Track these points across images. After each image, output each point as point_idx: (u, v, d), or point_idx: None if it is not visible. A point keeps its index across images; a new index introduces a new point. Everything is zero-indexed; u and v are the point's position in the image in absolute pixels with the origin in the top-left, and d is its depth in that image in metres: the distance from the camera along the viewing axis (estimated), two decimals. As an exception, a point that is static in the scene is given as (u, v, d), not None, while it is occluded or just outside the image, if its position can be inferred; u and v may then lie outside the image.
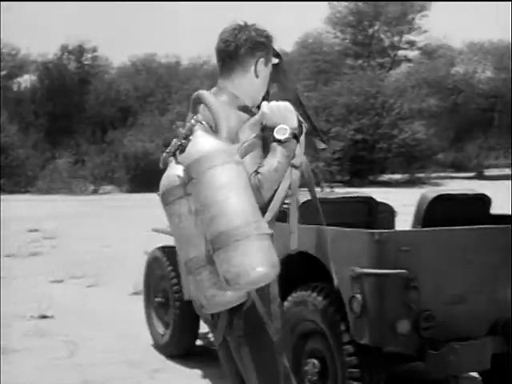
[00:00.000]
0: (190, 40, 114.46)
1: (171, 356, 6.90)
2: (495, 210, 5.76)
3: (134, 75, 51.79)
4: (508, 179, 42.89)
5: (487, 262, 4.26)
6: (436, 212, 5.15)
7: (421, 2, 53.54)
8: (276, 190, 3.19)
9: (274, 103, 3.31)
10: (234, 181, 3.03)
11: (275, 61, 3.77)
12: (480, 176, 45.49)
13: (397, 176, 40.58)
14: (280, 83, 3.89)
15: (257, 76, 3.48)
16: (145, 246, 11.32)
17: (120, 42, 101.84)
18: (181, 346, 6.85)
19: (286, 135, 3.19)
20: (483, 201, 5.68)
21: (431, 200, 5.22)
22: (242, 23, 3.50)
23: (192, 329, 6.82)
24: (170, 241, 6.83)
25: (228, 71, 3.49)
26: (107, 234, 16.50)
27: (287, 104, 3.31)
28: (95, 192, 36.02)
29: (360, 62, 54.47)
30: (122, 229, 17.61)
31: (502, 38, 52.54)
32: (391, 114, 40.24)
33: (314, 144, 4.29)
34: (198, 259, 3.07)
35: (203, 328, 7.09)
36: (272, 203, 3.19)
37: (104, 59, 51.98)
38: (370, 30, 55.38)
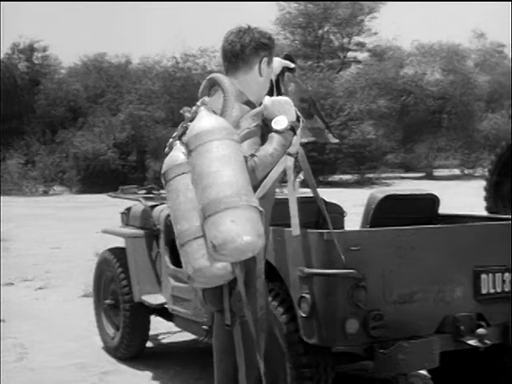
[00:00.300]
0: (141, 39, 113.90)
1: (121, 358, 6.85)
2: (444, 209, 5.82)
3: (84, 75, 51.33)
4: (457, 179, 43.46)
5: (435, 261, 4.30)
6: (385, 212, 5.18)
7: (370, 4, 53.85)
8: (269, 172, 3.42)
9: (275, 97, 3.64)
10: (229, 155, 3.23)
11: (291, 65, 4.15)
12: (429, 176, 45.94)
13: (347, 176, 40.85)
14: (297, 84, 4.14)
15: (261, 74, 3.79)
16: (95, 247, 11.27)
17: (71, 42, 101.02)
18: (131, 347, 6.79)
19: (284, 126, 3.49)
20: (432, 201, 5.73)
21: (380, 200, 5.26)
22: (246, 26, 3.79)
23: (142, 331, 6.79)
24: (120, 242, 6.81)
25: (234, 69, 3.80)
26: (58, 236, 16.38)
27: (287, 99, 3.63)
28: (46, 193, 35.74)
29: (310, 63, 54.59)
30: (72, 230, 17.48)
31: (450, 39, 53.17)
32: (341, 115, 40.46)
33: (327, 138, 4.47)
34: (190, 231, 3.29)
35: (154, 330, 7.08)
36: (264, 182, 3.40)
37: (54, 59, 51.48)
38: (320, 32, 55.59)
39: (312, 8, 53.88)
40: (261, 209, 3.23)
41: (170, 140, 3.56)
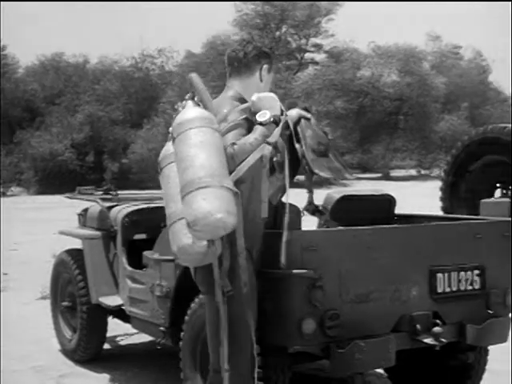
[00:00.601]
0: (100, 39, 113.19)
1: (79, 361, 6.82)
2: (400, 210, 5.87)
3: (41, 75, 50.87)
4: (413, 180, 43.78)
5: (391, 261, 4.33)
6: (341, 212, 5.22)
7: (327, 6, 54.05)
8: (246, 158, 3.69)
9: (261, 93, 3.98)
10: (207, 141, 3.59)
11: (308, 115, 4.55)
12: (386, 177, 46.24)
13: (304, 177, 40.93)
14: (313, 130, 4.50)
15: (261, 80, 4.20)
16: (53, 249, 11.17)
17: (28, 41, 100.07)
18: (88, 350, 6.76)
19: (266, 118, 3.81)
20: (388, 201, 5.78)
21: (336, 200, 5.29)
22: (249, 37, 4.25)
23: (100, 333, 6.75)
24: (77, 243, 6.77)
25: (236, 74, 4.20)
26: (15, 238, 16.19)
27: (272, 94, 3.98)
28: (3, 194, 35.29)
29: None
30: (29, 232, 17.32)
31: (407, 41, 53.55)
32: (299, 116, 40.52)
33: (343, 176, 4.77)
34: (175, 213, 3.63)
35: (111, 331, 7.04)
36: (240, 165, 3.66)
37: (11, 57, 50.92)
38: (277, 33, 55.70)
39: (269, 9, 53.95)
40: (235, 190, 3.52)
41: (169, 135, 3.88)
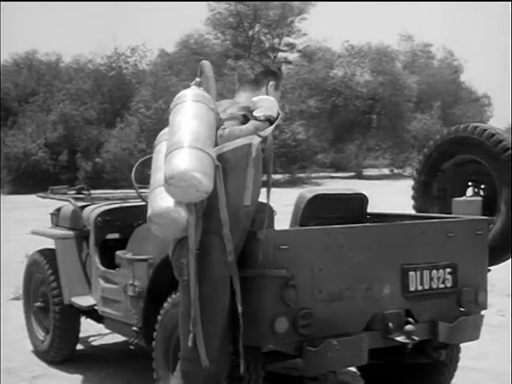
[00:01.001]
0: (73, 38, 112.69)
1: (52, 362, 6.78)
2: (373, 208, 5.89)
3: (15, 73, 50.53)
4: (386, 179, 43.99)
5: (364, 259, 4.34)
6: (314, 211, 5.23)
7: (300, 5, 54.18)
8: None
9: (263, 96, 4.21)
10: (200, 115, 3.81)
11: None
12: (359, 176, 46.43)
13: (278, 176, 40.97)
14: None
15: (267, 95, 4.30)
16: (26, 249, 11.09)
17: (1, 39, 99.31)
18: (61, 351, 6.72)
19: (260, 114, 3.98)
20: (360, 200, 5.79)
21: (309, 199, 5.30)
22: (258, 58, 4.40)
23: (72, 333, 6.71)
24: (50, 243, 6.73)
25: (244, 89, 4.37)
26: (-14, 238, 16.04)
27: (272, 98, 4.19)
28: (-23, 194, 35.02)
29: (241, 63, 54.66)
30: (2, 232, 17.18)
31: (380, 41, 53.76)
32: (272, 116, 40.51)
33: None
34: (158, 180, 3.81)
35: (84, 332, 7.02)
36: (227, 142, 3.86)
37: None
38: (250, 32, 55.80)
39: (242, 9, 54.01)
40: (215, 158, 3.75)
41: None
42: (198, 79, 4.09)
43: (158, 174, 3.88)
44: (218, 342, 3.98)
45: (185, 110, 3.85)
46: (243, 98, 4.33)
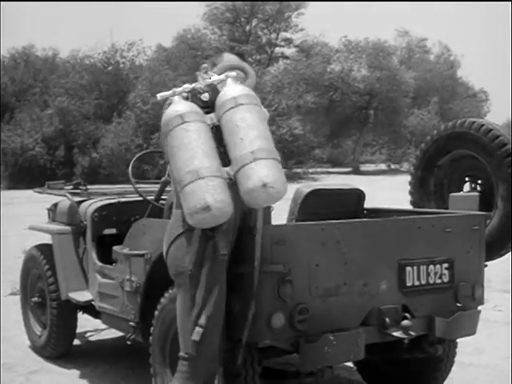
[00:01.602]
0: (71, 33, 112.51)
1: (49, 357, 6.78)
2: (370, 204, 5.89)
3: (12, 68, 50.43)
4: (383, 174, 44.00)
5: (360, 254, 4.34)
6: (310, 206, 5.22)
7: (297, 1, 54.17)
8: None
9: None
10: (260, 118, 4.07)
11: None
12: (356, 171, 46.41)
13: (275, 171, 40.89)
14: None
15: None
16: (23, 244, 11.09)
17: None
18: (58, 346, 6.72)
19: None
20: (357, 195, 5.79)
21: (306, 195, 5.29)
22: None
23: (69, 328, 6.71)
24: (47, 239, 6.72)
25: None
26: (-17, 233, 16.02)
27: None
28: (-26, 190, 34.95)
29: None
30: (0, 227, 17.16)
31: (377, 36, 53.75)
32: (269, 111, 40.39)
33: None
34: (212, 168, 3.76)
35: (81, 327, 7.02)
36: None
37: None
38: (247, 27, 55.77)
39: (239, 4, 53.97)
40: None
41: (169, 94, 4.10)
42: (233, 73, 4.20)
43: (205, 161, 3.80)
44: (217, 340, 3.99)
45: (253, 113, 3.96)
46: None
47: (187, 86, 4.13)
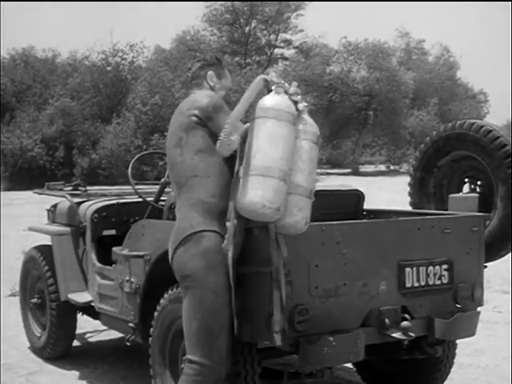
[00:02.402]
0: (70, 34, 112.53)
1: (48, 358, 6.79)
2: (369, 205, 5.90)
3: (11, 69, 50.43)
4: (383, 175, 43.99)
5: (360, 255, 4.34)
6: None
7: (296, 2, 54.19)
8: None
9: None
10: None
11: None
12: (355, 172, 46.40)
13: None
14: None
15: (210, 87, 4.53)
16: (22, 245, 11.08)
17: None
18: (58, 347, 6.73)
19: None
20: (357, 196, 5.80)
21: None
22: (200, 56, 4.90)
23: (69, 329, 6.72)
24: (47, 240, 6.72)
25: (191, 89, 4.55)
26: (-17, 234, 16.01)
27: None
28: (-27, 191, 34.91)
29: (237, 59, 54.78)
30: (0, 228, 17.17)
31: (377, 38, 53.75)
32: (269, 112, 40.39)
33: None
34: (275, 170, 3.70)
35: (80, 328, 7.02)
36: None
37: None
38: (247, 29, 55.79)
39: (239, 5, 54.00)
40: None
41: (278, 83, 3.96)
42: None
43: (283, 166, 3.77)
44: (225, 343, 4.01)
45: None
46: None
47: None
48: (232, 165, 4.07)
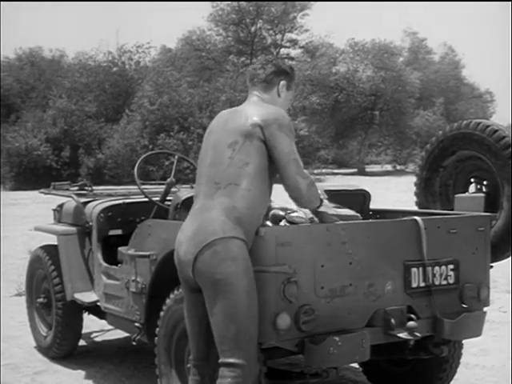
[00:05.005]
0: (76, 34, 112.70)
1: (54, 357, 6.80)
2: (375, 205, 5.89)
3: (18, 69, 50.49)
4: (389, 175, 43.96)
5: (366, 255, 4.34)
6: (316, 207, 5.21)
7: (302, 2, 54.17)
8: None
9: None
10: None
11: None
12: (361, 172, 46.39)
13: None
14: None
15: (278, 95, 4.45)
16: (28, 245, 11.10)
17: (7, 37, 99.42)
18: (64, 346, 6.73)
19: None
20: (363, 196, 5.79)
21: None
22: (271, 57, 4.69)
23: (75, 329, 6.73)
24: (53, 239, 6.74)
25: (256, 88, 4.44)
26: (-11, 234, 16.04)
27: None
28: (-20, 190, 34.97)
29: (243, 59, 54.80)
30: (5, 228, 17.19)
31: (380, 37, 53.75)
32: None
33: None
34: None
35: (86, 328, 7.02)
36: None
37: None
38: (253, 28, 55.76)
39: (245, 5, 53.98)
40: None
41: None
42: None
43: None
44: (255, 338, 3.98)
45: None
46: (255, 98, 4.39)
47: None
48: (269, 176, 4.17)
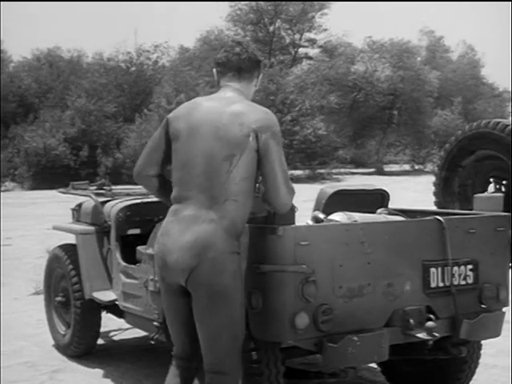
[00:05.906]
0: (95, 35, 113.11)
1: (72, 356, 6.82)
2: (394, 204, 5.88)
3: (36, 70, 50.68)
4: (407, 175, 43.82)
5: (384, 255, 4.34)
6: (334, 207, 5.21)
7: (320, 2, 54.11)
8: None
9: None
10: None
11: None
12: (379, 172, 46.24)
13: (298, 172, 40.80)
14: None
15: (255, 86, 4.27)
16: (47, 244, 11.15)
17: (25, 37, 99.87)
18: (82, 345, 6.76)
19: None
20: (381, 196, 5.78)
21: (330, 195, 5.30)
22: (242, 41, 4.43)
23: (93, 328, 6.75)
24: (71, 239, 6.76)
25: (237, 78, 4.16)
26: (9, 233, 16.09)
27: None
28: (-2, 190, 35.10)
29: (261, 59, 54.71)
30: (23, 227, 17.28)
31: (399, 36, 53.62)
32: (292, 111, 40.47)
33: None
34: None
35: (104, 327, 7.05)
36: None
37: (4, 53, 50.70)
38: (271, 28, 55.74)
39: (263, 4, 53.97)
40: None
41: None
42: None
43: None
44: (240, 347, 3.98)
45: None
46: (232, 90, 4.14)
47: None
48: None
